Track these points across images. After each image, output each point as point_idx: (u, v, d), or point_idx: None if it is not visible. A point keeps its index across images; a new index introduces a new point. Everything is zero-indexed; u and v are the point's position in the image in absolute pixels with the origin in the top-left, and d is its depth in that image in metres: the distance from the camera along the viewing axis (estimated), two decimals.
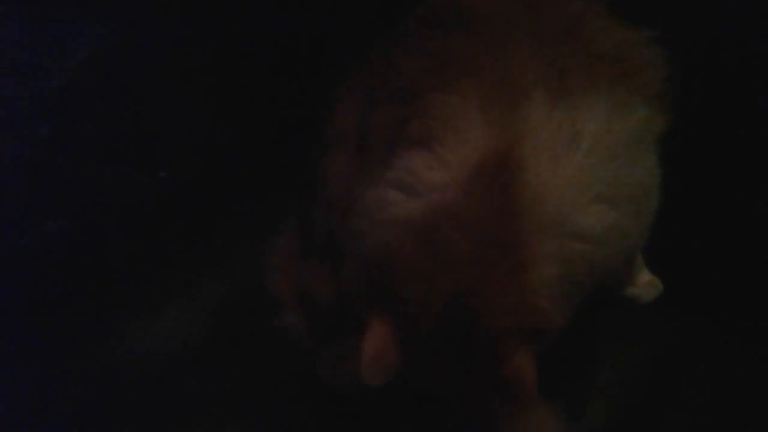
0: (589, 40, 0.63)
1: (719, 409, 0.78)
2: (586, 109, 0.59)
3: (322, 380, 0.76)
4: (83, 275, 0.84)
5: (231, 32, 0.90)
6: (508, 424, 0.66)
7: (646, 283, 0.83)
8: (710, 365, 0.81)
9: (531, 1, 0.66)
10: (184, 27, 0.90)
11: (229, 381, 0.80)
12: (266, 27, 0.90)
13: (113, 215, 0.87)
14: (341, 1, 0.91)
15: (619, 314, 0.82)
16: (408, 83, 0.66)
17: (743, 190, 0.82)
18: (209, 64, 0.89)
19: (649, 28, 0.67)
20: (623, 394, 0.78)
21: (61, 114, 0.87)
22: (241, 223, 0.90)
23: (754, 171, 0.81)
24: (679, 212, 0.70)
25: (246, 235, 0.89)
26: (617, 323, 0.82)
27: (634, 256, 0.78)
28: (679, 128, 0.66)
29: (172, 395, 0.79)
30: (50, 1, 0.87)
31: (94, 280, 0.84)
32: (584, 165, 0.59)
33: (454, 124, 0.60)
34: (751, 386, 0.80)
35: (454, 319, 0.57)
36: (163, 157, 0.90)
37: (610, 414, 0.77)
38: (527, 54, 0.61)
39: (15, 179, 0.84)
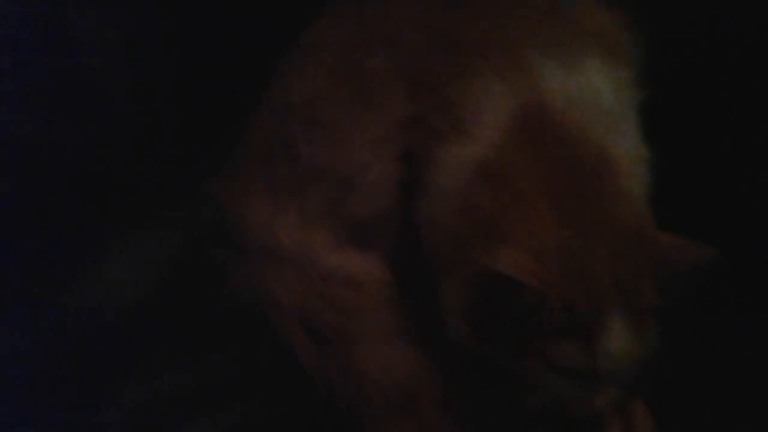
0: (577, 20, 0.69)
1: None
2: (592, 72, 0.65)
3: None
4: (31, 228, 0.82)
5: None
6: None
7: None
8: None
9: None
10: None
11: (183, 328, 0.78)
12: None
13: (56, 169, 0.85)
14: None
15: None
16: (415, 56, 0.68)
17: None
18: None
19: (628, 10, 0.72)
20: None
21: None
22: (193, 170, 0.85)
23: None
24: None
25: (198, 182, 0.83)
26: None
27: None
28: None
29: (125, 345, 0.77)
30: None
31: (43, 232, 0.82)
32: (611, 113, 0.64)
33: (481, 107, 0.64)
34: None
35: (582, 224, 0.59)
36: (100, 108, 0.87)
37: None
38: (527, 28, 0.67)
39: None
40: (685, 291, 0.61)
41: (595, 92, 0.64)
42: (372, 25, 0.72)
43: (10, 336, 0.76)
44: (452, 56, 0.67)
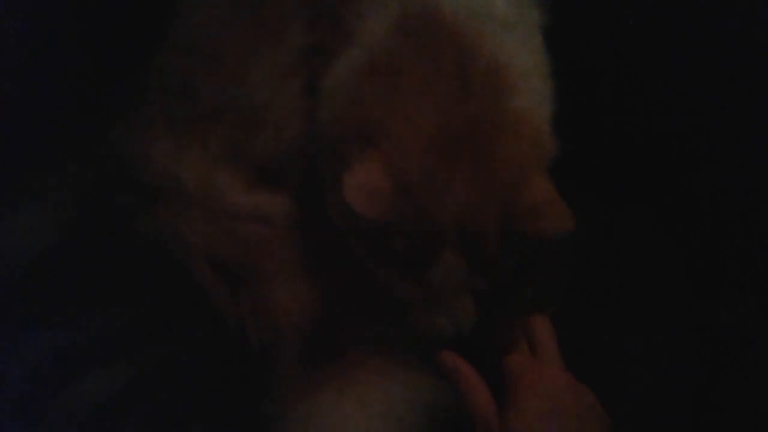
0: None
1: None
2: None
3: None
4: None
5: None
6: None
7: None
8: None
9: None
10: None
11: (91, 275, 0.76)
12: None
13: None
14: None
15: None
16: None
17: None
18: None
19: None
20: None
21: None
22: (97, 115, 0.81)
23: None
24: None
25: (101, 127, 0.79)
26: None
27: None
28: None
29: (30, 295, 0.75)
30: None
31: None
32: (509, 26, 0.62)
33: (367, 15, 0.62)
34: None
35: (454, 149, 0.57)
36: None
37: None
38: None
39: None
40: (531, 254, 0.62)
41: (493, 4, 0.63)
42: None
43: None
44: None
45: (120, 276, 0.75)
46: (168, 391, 0.71)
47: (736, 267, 0.78)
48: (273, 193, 0.71)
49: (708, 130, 0.79)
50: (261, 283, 0.69)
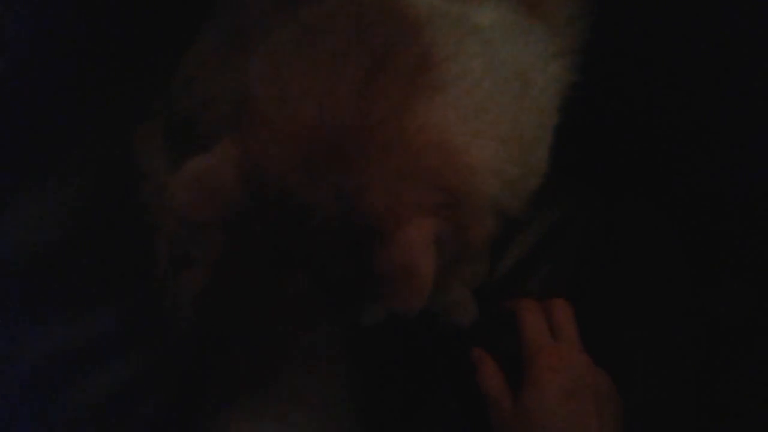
0: None
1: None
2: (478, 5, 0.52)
3: None
4: None
5: None
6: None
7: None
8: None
9: None
10: None
11: (102, 267, 0.75)
12: None
13: None
14: None
15: None
16: None
17: None
18: None
19: None
20: None
21: None
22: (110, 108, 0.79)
23: None
24: None
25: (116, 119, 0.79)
26: None
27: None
28: None
29: (44, 284, 0.74)
30: None
31: None
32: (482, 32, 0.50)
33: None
34: None
35: (325, 156, 0.44)
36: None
37: None
38: None
39: None
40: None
41: (474, 11, 0.51)
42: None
43: None
44: None
45: (121, 271, 0.74)
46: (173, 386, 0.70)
47: (736, 258, 0.77)
48: None
49: (708, 123, 0.77)
50: (185, 269, 0.68)
